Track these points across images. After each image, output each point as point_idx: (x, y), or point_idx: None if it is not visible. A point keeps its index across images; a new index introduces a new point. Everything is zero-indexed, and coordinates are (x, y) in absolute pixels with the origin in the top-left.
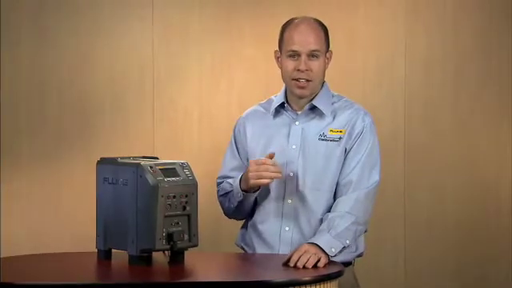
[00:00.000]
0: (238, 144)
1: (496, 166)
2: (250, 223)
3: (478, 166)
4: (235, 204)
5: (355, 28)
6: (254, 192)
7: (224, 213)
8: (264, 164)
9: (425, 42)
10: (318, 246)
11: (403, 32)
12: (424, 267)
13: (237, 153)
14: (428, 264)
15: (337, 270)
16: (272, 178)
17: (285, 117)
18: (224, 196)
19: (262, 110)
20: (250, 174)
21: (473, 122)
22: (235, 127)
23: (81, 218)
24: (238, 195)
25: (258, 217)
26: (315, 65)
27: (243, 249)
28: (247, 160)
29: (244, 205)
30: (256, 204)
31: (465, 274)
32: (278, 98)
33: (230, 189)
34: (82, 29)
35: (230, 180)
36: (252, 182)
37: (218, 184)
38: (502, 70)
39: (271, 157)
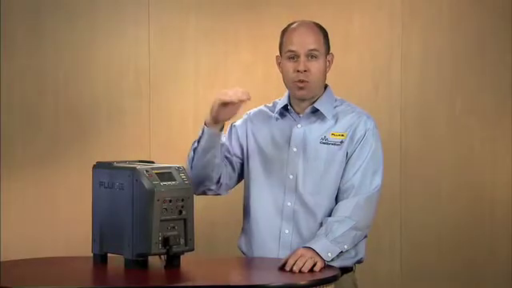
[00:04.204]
0: (234, 134)
1: (492, 170)
2: (249, 225)
3: (473, 169)
4: (196, 146)
5: (351, 31)
6: (216, 125)
7: (188, 171)
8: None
9: (421, 45)
10: (314, 250)
11: (399, 36)
12: (420, 271)
13: (231, 138)
14: (424, 268)
15: (333, 274)
16: (238, 99)
17: (287, 119)
18: (192, 146)
19: (266, 111)
20: (217, 93)
21: (469, 126)
22: (237, 121)
23: (76, 223)
24: (200, 132)
25: (257, 219)
26: (314, 66)
27: (243, 251)
28: (241, 155)
29: (203, 152)
30: (255, 206)
31: (461, 278)
32: (281, 100)
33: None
34: (78, 32)
35: None
36: (216, 97)
37: None
38: (498, 74)
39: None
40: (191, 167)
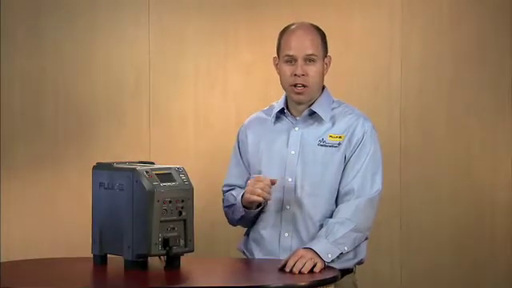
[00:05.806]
0: (241, 152)
1: (492, 170)
2: (251, 229)
3: (473, 169)
4: (239, 217)
5: (351, 32)
6: (256, 209)
7: (228, 222)
8: (261, 182)
9: (421, 45)
10: (314, 251)
11: (399, 36)
12: (420, 272)
13: (241, 160)
14: (424, 269)
15: (332, 275)
16: (264, 198)
17: (285, 122)
18: (228, 207)
19: (263, 116)
20: (247, 188)
21: (469, 126)
22: (238, 135)
23: (76, 223)
24: (240, 210)
25: (258, 223)
26: (312, 70)
27: (244, 254)
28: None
29: (247, 218)
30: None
31: (461, 279)
32: (278, 103)
33: (233, 202)
34: (78, 33)
35: (233, 192)
36: (246, 195)
37: (224, 192)
38: (498, 74)
39: (273, 182)
40: (230, 222)
